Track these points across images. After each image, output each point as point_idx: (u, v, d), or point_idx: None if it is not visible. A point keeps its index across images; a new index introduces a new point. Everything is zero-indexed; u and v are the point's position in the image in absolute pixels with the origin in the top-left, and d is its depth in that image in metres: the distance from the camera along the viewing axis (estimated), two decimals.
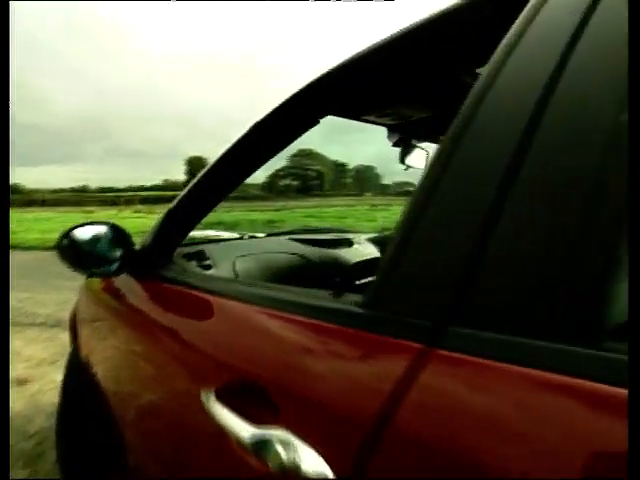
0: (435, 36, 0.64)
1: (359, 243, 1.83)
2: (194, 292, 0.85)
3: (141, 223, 12.85)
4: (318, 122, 0.91)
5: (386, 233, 2.09)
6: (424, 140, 1.46)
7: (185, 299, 0.88)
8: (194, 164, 66.52)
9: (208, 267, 1.26)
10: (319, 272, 1.52)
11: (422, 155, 1.53)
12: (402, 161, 1.42)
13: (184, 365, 0.77)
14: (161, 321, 0.90)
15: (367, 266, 1.74)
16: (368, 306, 0.47)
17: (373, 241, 1.92)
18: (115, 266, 0.99)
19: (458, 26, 0.61)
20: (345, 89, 0.84)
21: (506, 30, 0.59)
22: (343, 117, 1.03)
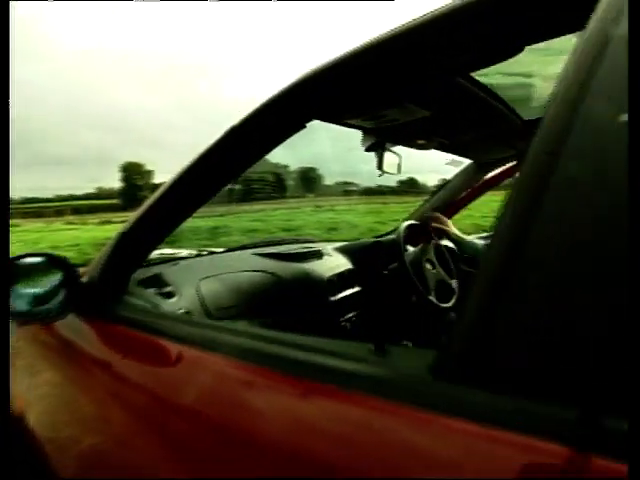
0: (429, 37, 0.58)
1: (328, 254, 1.71)
2: (157, 339, 0.69)
3: (74, 236, 12.04)
4: (304, 126, 0.78)
5: (352, 242, 1.97)
6: (400, 144, 1.37)
7: (147, 348, 0.72)
8: (130, 170, 63.40)
9: (169, 295, 1.09)
10: (294, 290, 1.39)
11: (395, 159, 1.44)
12: (380, 167, 1.32)
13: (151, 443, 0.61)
14: (117, 375, 0.73)
15: (343, 279, 1.64)
16: (446, 376, 0.34)
17: (341, 250, 1.82)
18: (57, 306, 0.80)
19: (451, 28, 0.55)
20: (334, 91, 0.73)
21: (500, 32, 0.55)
22: (328, 121, 0.91)
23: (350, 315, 1.54)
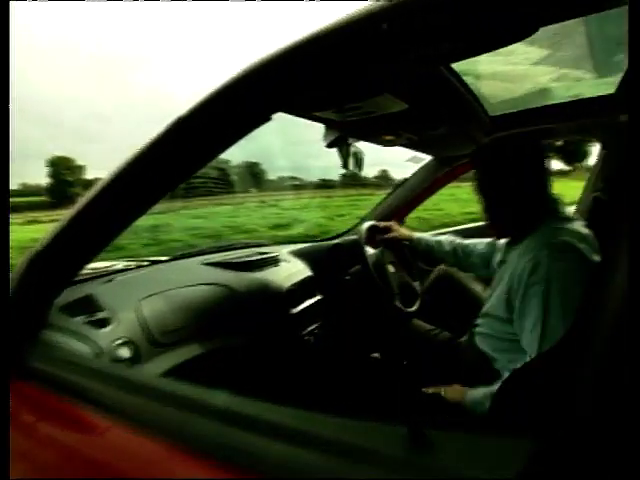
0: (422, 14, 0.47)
1: (285, 260, 1.56)
2: (78, 407, 0.52)
3: None
4: (269, 119, 0.63)
5: (309, 245, 1.84)
6: (365, 140, 1.25)
7: (64, 419, 0.54)
8: (58, 165, 58.98)
9: (103, 323, 0.90)
10: (251, 304, 1.23)
11: (361, 156, 1.33)
12: (345, 164, 1.19)
13: None
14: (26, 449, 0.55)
15: (303, 288, 1.50)
16: None
17: (298, 255, 1.67)
18: None
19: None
20: (307, 76, 0.58)
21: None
22: (296, 114, 0.77)
23: (313, 327, 1.41)
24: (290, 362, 1.30)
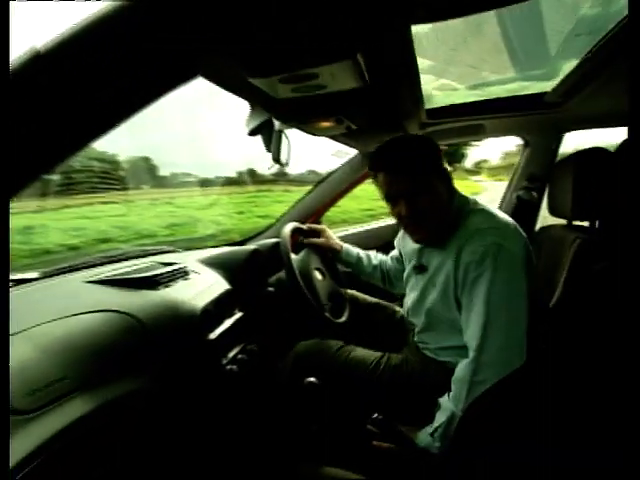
0: None
1: (195, 271, 1.28)
2: None
3: None
4: (195, 76, 0.40)
5: (222, 252, 1.56)
6: (295, 126, 1.05)
7: None
8: None
9: None
10: (155, 335, 0.94)
11: (287, 145, 1.12)
12: (277, 156, 0.97)
13: None
14: None
15: (221, 306, 1.24)
16: None
17: (210, 264, 1.41)
18: None
19: None
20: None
21: None
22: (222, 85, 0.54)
23: (234, 353, 1.16)
24: (212, 400, 1.05)
